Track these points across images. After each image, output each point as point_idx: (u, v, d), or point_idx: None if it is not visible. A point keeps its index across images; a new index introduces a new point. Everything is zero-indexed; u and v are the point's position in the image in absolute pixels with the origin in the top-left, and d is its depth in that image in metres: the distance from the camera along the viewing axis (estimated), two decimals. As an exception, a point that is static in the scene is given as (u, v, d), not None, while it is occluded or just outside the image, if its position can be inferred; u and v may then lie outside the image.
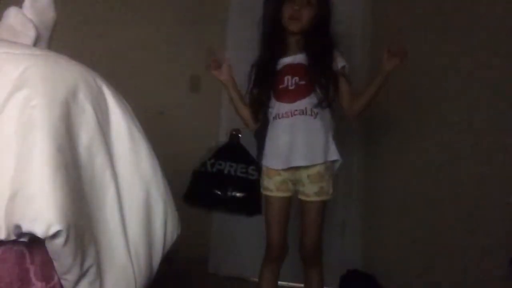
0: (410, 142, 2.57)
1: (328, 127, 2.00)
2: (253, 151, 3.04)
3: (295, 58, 2.01)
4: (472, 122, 2.15)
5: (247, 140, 3.05)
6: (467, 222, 2.14)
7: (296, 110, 1.96)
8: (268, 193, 2.04)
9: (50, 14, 1.39)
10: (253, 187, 2.92)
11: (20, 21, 1.31)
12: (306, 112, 1.96)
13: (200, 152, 3.06)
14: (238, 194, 2.93)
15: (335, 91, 2.02)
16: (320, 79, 1.97)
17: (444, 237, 2.28)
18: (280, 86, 2.00)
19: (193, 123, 3.07)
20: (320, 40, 1.99)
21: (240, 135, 3.06)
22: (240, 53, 3.10)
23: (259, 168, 2.95)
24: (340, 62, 2.02)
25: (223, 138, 3.10)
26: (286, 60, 2.02)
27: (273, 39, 2.04)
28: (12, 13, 1.33)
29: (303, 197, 2.02)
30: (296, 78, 1.98)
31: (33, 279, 1.01)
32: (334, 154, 2.00)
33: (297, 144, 1.96)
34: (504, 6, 2.06)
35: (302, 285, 2.18)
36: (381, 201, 2.83)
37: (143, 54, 3.01)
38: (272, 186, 2.02)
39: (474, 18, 2.19)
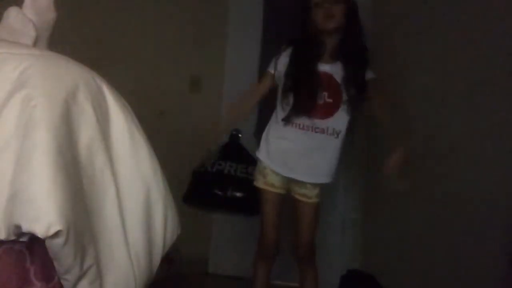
0: (410, 142, 2.57)
1: (343, 144, 2.01)
2: (253, 151, 3.04)
3: (331, 68, 1.97)
4: (474, 121, 2.15)
5: (247, 140, 3.05)
6: (467, 222, 2.13)
7: (318, 128, 1.95)
8: (271, 188, 2.03)
9: (50, 14, 1.39)
10: (253, 187, 2.92)
11: (20, 21, 1.31)
12: (327, 132, 1.96)
13: (200, 152, 3.06)
14: (238, 194, 2.92)
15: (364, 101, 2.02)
16: (353, 93, 1.95)
17: (444, 237, 2.28)
18: None
19: (193, 123, 3.07)
20: (356, 44, 1.98)
21: (240, 135, 3.06)
22: (240, 52, 3.12)
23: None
24: (370, 73, 2.01)
25: (223, 138, 3.10)
26: (324, 68, 1.98)
27: (311, 44, 2.00)
28: (12, 13, 1.33)
29: (303, 198, 2.02)
30: (326, 94, 1.96)
31: (33, 279, 1.01)
32: (336, 173, 2.04)
33: (309, 161, 1.97)
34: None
35: (297, 284, 2.19)
36: (381, 201, 2.83)
37: (143, 54, 3.01)
38: (278, 183, 2.02)
39: (478, 15, 2.19)
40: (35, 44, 1.32)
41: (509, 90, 1.96)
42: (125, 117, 1.21)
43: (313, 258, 2.10)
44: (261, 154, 2.07)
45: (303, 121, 1.96)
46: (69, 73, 1.13)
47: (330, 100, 1.96)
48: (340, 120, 1.97)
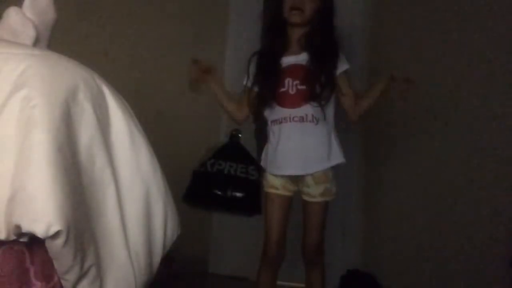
0: (410, 141, 2.57)
1: (330, 131, 1.98)
2: (253, 151, 3.04)
3: (298, 58, 1.97)
4: (474, 122, 2.15)
5: (247, 140, 3.05)
6: (467, 222, 2.14)
7: (296, 116, 1.93)
8: (273, 190, 2.00)
9: (50, 14, 1.39)
10: (253, 187, 2.92)
11: (20, 21, 1.31)
12: (306, 119, 1.93)
13: (200, 152, 3.06)
14: (238, 194, 2.93)
15: (337, 95, 2.00)
16: (319, 83, 1.93)
17: (443, 237, 2.28)
18: (281, 90, 1.95)
19: (193, 123, 3.07)
20: (323, 39, 1.95)
21: (240, 135, 3.06)
22: (240, 52, 3.12)
23: (259, 168, 2.96)
24: (342, 66, 1.98)
25: (223, 138, 3.10)
26: (288, 60, 1.97)
27: (275, 34, 1.99)
28: (12, 13, 1.33)
29: (307, 198, 2.00)
30: (297, 82, 1.94)
31: (33, 279, 1.01)
32: (337, 157, 1.99)
33: (295, 152, 1.94)
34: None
35: (302, 285, 2.17)
36: (381, 201, 2.83)
37: (142, 54, 3.01)
38: (278, 184, 2.00)
39: (477, 16, 2.19)
40: (35, 44, 1.32)
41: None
42: (125, 117, 1.21)
43: (320, 260, 2.07)
44: (261, 161, 2.08)
45: (281, 114, 1.95)
46: (69, 73, 1.13)
47: (303, 87, 1.93)
48: (317, 107, 1.94)
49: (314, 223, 2.01)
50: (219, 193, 2.93)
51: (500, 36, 2.08)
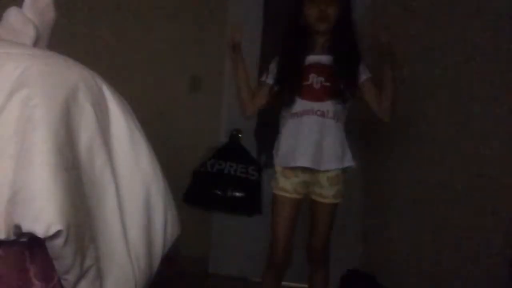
0: (410, 142, 2.57)
1: (344, 132, 2.01)
2: (253, 151, 3.04)
3: (322, 58, 1.99)
4: (475, 122, 2.15)
5: (247, 140, 3.05)
6: (466, 223, 2.14)
7: (318, 110, 1.94)
8: (284, 193, 1.99)
9: (50, 14, 1.39)
10: (253, 187, 2.93)
11: (20, 21, 1.31)
12: (327, 115, 1.94)
13: (200, 152, 3.07)
14: (238, 194, 2.93)
15: (360, 99, 2.02)
16: (343, 82, 1.96)
17: (444, 237, 2.28)
18: (305, 83, 1.96)
19: (193, 123, 3.07)
20: (348, 44, 1.99)
21: (240, 135, 3.06)
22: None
23: (259, 168, 2.96)
24: (366, 72, 2.01)
25: (223, 138, 3.10)
26: (313, 58, 1.99)
27: (297, 39, 2.01)
28: (12, 13, 1.33)
29: (319, 199, 2.00)
30: (322, 79, 1.96)
31: (33, 279, 1.01)
32: (349, 160, 2.01)
33: (314, 146, 1.94)
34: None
35: (304, 285, 2.17)
36: (381, 201, 2.83)
37: (143, 54, 3.01)
38: (290, 187, 1.99)
39: (477, 18, 2.19)
40: (35, 44, 1.32)
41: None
42: (125, 117, 1.21)
43: (326, 261, 2.07)
44: (274, 159, 2.06)
45: (303, 106, 1.96)
46: (69, 73, 1.13)
47: (328, 84, 1.96)
48: (339, 105, 1.97)
49: (324, 224, 2.01)
50: (219, 193, 2.93)
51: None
